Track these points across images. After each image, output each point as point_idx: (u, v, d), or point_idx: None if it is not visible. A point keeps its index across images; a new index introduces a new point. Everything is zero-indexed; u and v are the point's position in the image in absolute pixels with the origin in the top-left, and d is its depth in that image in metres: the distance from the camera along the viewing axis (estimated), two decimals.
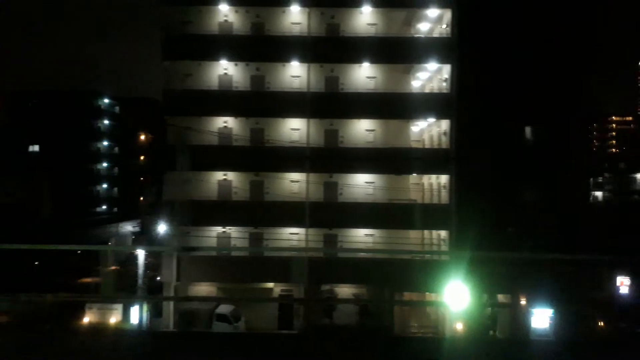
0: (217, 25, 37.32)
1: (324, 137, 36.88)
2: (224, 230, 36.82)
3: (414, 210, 35.72)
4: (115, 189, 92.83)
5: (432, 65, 36.97)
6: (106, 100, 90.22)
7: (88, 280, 56.68)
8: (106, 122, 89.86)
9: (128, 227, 73.32)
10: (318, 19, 36.98)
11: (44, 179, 73.27)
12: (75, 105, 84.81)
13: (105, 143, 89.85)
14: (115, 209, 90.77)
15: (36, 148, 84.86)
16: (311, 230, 36.51)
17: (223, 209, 36.43)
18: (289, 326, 35.88)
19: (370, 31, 37.05)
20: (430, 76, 39.34)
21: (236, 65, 37.19)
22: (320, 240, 36.46)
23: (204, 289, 36.51)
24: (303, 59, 36.45)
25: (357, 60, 36.49)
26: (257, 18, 37.13)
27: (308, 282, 35.41)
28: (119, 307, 37.01)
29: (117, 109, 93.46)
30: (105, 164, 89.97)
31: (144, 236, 41.83)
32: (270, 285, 36.44)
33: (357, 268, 34.65)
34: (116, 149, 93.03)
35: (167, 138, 37.08)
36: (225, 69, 37.22)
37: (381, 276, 34.03)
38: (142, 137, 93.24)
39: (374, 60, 36.45)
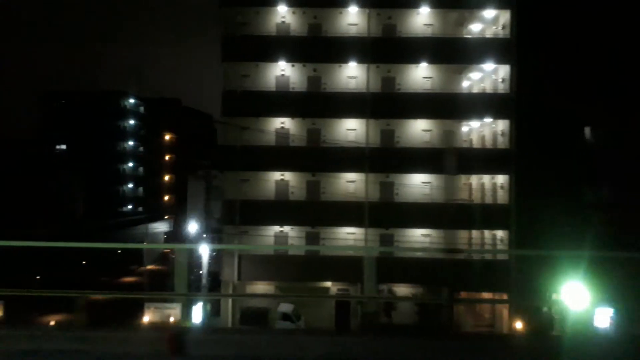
0: (275, 26, 37.61)
1: (380, 137, 37.13)
2: (281, 230, 37.12)
3: (471, 210, 35.97)
4: (140, 189, 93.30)
5: (487, 66, 37.15)
6: (132, 101, 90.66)
7: (130, 279, 57.20)
8: (132, 122, 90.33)
9: (159, 227, 73.75)
10: (375, 20, 37.22)
11: (75, 179, 73.62)
12: (102, 106, 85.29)
13: (131, 143, 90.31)
14: (140, 209, 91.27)
15: (64, 147, 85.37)
16: (368, 230, 36.77)
17: (280, 209, 36.77)
18: (346, 325, 36.14)
19: (427, 32, 37.29)
20: (483, 76, 39.53)
21: (293, 66, 37.48)
22: (377, 240, 36.70)
23: (261, 287, 36.82)
24: (360, 60, 36.72)
25: (414, 60, 36.74)
26: (314, 19, 37.40)
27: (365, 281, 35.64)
28: (177, 306, 37.34)
29: (141, 109, 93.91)
30: (130, 164, 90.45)
31: (200, 235, 42.13)
32: (328, 284, 36.73)
33: (415, 268, 34.91)
34: (141, 148, 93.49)
35: (225, 138, 37.39)
36: (283, 70, 37.51)
37: (439, 276, 34.29)
38: (167, 137, 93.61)
39: (431, 60, 36.69)
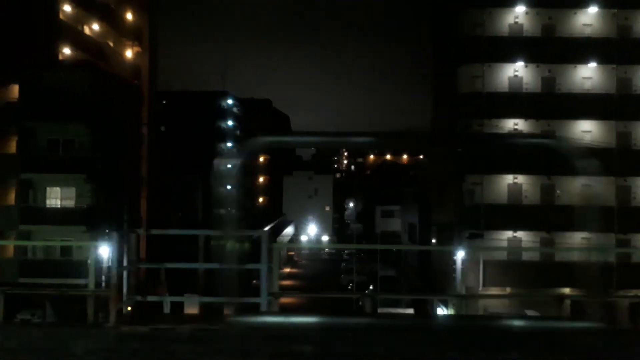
0: (507, 27, 36.89)
1: (617, 140, 36.34)
2: (514, 235, 36.38)
3: None
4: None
5: None
6: (230, 101, 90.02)
7: (288, 283, 56.72)
8: (230, 123, 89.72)
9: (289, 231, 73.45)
10: (610, 20, 36.42)
11: (194, 183, 72.59)
12: (203, 106, 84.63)
13: (229, 144, 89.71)
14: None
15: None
16: (600, 235, 35.93)
17: (513, 213, 36.08)
18: None
19: None
20: None
21: (526, 66, 36.75)
22: (612, 246, 35.79)
23: (494, 294, 36.06)
24: (597, 61, 36.00)
25: None
26: (549, 20, 36.65)
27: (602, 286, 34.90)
28: (408, 310, 36.65)
29: (236, 109, 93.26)
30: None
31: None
32: (566, 290, 35.90)
33: None
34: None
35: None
36: (516, 71, 36.79)
37: None
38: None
39: None
